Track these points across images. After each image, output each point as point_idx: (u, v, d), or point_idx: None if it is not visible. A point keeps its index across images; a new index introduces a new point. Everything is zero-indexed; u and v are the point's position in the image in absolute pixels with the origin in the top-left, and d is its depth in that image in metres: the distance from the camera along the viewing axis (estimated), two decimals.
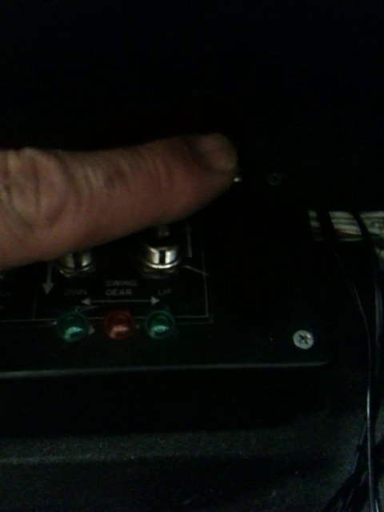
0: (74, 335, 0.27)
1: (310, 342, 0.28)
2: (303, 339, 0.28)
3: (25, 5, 0.25)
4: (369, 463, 0.32)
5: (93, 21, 0.27)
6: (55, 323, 0.27)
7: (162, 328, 0.27)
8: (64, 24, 0.27)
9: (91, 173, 0.20)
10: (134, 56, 0.28)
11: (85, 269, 0.29)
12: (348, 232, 0.36)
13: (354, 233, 0.36)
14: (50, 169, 0.19)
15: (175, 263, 0.29)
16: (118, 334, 0.27)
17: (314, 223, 0.35)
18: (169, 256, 0.29)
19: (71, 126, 0.32)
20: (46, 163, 0.19)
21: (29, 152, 0.19)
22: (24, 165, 0.19)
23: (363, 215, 0.36)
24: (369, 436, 0.32)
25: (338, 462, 0.35)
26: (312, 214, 0.36)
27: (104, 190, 0.20)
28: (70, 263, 0.28)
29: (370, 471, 0.32)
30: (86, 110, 0.31)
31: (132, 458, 0.34)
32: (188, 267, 0.30)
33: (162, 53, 0.28)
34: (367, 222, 0.36)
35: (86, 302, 0.28)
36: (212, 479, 0.35)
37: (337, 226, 0.36)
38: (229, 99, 0.32)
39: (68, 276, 0.29)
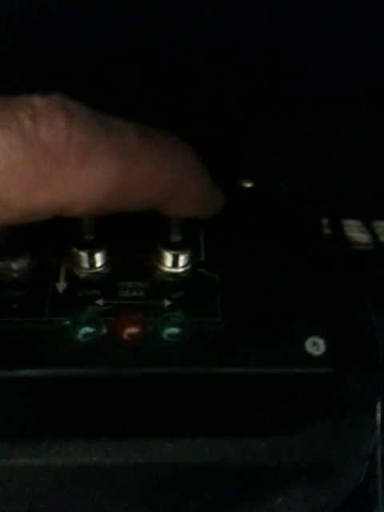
0: (86, 335, 0.27)
1: (322, 349, 0.28)
2: (315, 345, 0.28)
3: (25, 4, 0.26)
4: (379, 472, 0.32)
5: (93, 21, 0.27)
6: (68, 323, 0.27)
7: (175, 330, 0.27)
8: (64, 24, 0.27)
9: (122, 125, 0.19)
10: (134, 56, 0.29)
11: (98, 269, 0.29)
12: (359, 240, 0.36)
13: (366, 241, 0.36)
14: (81, 109, 0.18)
15: (188, 266, 0.29)
16: (131, 335, 0.27)
17: (326, 230, 0.35)
18: (182, 259, 0.29)
19: None
20: (77, 105, 0.18)
21: (57, 94, 0.18)
22: (53, 102, 0.18)
23: (375, 224, 0.37)
24: (379, 444, 0.32)
25: (345, 470, 0.35)
26: (324, 221, 0.36)
27: (137, 140, 0.19)
28: (84, 263, 0.29)
29: (379, 480, 0.31)
30: None
31: (139, 461, 0.34)
32: (201, 270, 0.30)
33: (162, 53, 0.28)
34: (378, 231, 0.36)
35: (100, 302, 0.28)
36: (218, 485, 0.35)
37: (348, 234, 0.36)
38: (229, 100, 0.32)
39: (82, 276, 0.29)
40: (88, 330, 0.27)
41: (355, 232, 0.36)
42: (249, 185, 0.33)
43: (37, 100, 0.17)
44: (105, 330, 0.27)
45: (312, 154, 0.34)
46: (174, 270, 0.29)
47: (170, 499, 0.35)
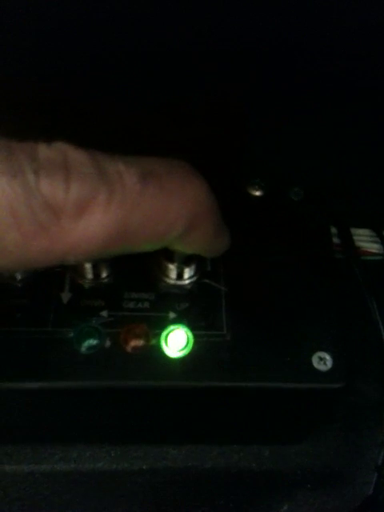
0: (90, 348, 0.27)
1: (329, 364, 0.27)
2: (322, 361, 0.27)
3: (25, 4, 0.25)
4: None
5: (93, 21, 0.27)
6: (72, 334, 0.27)
7: (179, 345, 0.27)
8: (65, 24, 0.27)
9: (124, 169, 0.19)
10: (134, 56, 0.28)
11: (103, 280, 0.29)
12: (370, 250, 0.35)
13: (376, 251, 0.35)
14: (81, 161, 0.19)
15: (194, 278, 0.29)
16: (135, 348, 0.27)
17: (335, 240, 0.35)
18: (187, 272, 0.28)
19: (71, 126, 0.32)
20: (78, 156, 0.19)
21: (60, 144, 0.19)
22: (55, 154, 0.18)
23: None
24: None
25: (351, 478, 0.34)
26: (333, 230, 0.35)
27: (137, 186, 0.19)
28: (89, 273, 0.28)
29: None
30: (86, 110, 0.30)
31: (143, 467, 0.34)
32: (207, 281, 0.29)
33: (162, 53, 0.28)
34: None
35: (104, 313, 0.28)
36: (223, 491, 0.35)
37: (358, 244, 0.35)
38: (229, 100, 0.31)
39: (86, 286, 0.29)
40: (91, 342, 0.27)
41: (365, 242, 0.35)
42: (257, 193, 0.32)
43: (41, 152, 0.18)
44: (108, 343, 0.27)
45: (318, 158, 0.34)
46: (179, 282, 0.28)
47: (175, 505, 0.35)
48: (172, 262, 0.28)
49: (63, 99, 0.30)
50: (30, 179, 0.17)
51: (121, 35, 0.27)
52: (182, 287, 0.29)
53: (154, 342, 0.27)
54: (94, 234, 0.19)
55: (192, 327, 0.27)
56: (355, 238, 0.35)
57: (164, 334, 0.27)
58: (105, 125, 0.31)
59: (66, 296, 0.28)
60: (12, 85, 0.29)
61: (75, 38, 0.27)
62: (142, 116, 0.31)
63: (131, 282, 0.29)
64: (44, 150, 0.18)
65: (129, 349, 0.27)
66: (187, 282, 0.29)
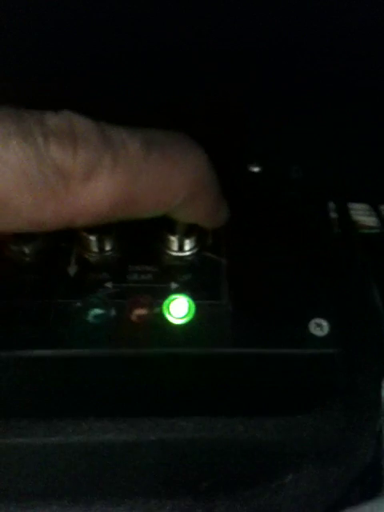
0: (96, 317, 0.28)
1: (326, 330, 0.28)
2: (319, 326, 0.28)
3: (25, 4, 0.26)
4: None
5: (93, 21, 0.27)
6: (79, 305, 0.28)
7: (181, 312, 0.28)
8: (65, 24, 0.27)
9: (127, 137, 0.20)
10: (135, 56, 0.29)
11: (108, 253, 0.30)
12: (367, 223, 0.36)
13: (373, 224, 0.36)
14: (87, 128, 0.19)
15: (195, 250, 0.30)
16: (139, 317, 0.28)
17: (333, 214, 0.36)
18: (188, 244, 0.30)
19: None
20: (84, 123, 0.20)
21: (66, 112, 0.20)
22: (62, 122, 0.19)
23: (382, 207, 0.37)
24: None
25: (354, 447, 0.35)
26: (331, 205, 0.36)
27: (140, 152, 0.20)
28: (94, 247, 0.29)
29: None
30: (86, 110, 0.31)
31: (152, 438, 0.35)
32: (207, 254, 0.30)
33: (162, 53, 0.29)
34: None
35: (109, 285, 0.29)
36: (229, 462, 0.36)
37: (356, 218, 0.36)
38: (229, 100, 0.32)
39: (92, 260, 0.30)
40: (98, 312, 0.28)
41: (362, 216, 0.36)
42: (256, 169, 0.33)
43: (48, 118, 0.19)
44: (114, 312, 0.28)
45: (315, 139, 0.34)
46: (180, 254, 0.30)
47: (182, 476, 0.36)
48: (174, 234, 0.29)
49: (63, 99, 0.31)
50: (40, 143, 0.18)
51: (121, 35, 0.28)
52: (183, 259, 0.30)
53: (157, 310, 0.28)
54: (100, 198, 0.20)
55: (193, 297, 0.29)
56: (352, 212, 0.36)
57: (166, 302, 0.28)
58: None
59: (72, 269, 0.29)
60: (12, 85, 0.30)
61: (75, 37, 0.28)
62: (142, 116, 0.31)
63: (134, 255, 0.30)
64: (52, 117, 0.19)
65: (133, 317, 0.28)
66: (188, 254, 0.30)
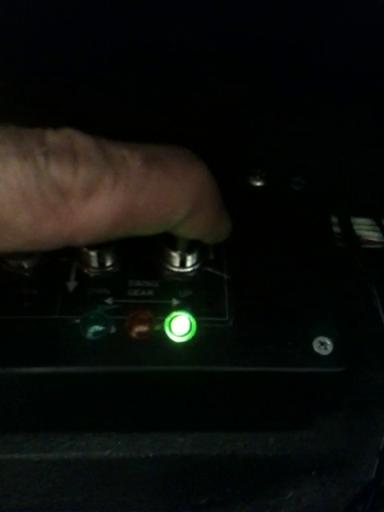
0: (96, 333, 0.27)
1: (330, 348, 0.28)
2: (322, 345, 0.28)
3: (25, 4, 0.26)
4: None
5: (93, 20, 0.27)
6: (78, 321, 0.28)
7: (183, 330, 0.28)
8: (65, 24, 0.27)
9: (128, 154, 0.20)
10: (134, 56, 0.29)
11: (108, 268, 0.29)
12: (370, 238, 0.36)
13: (376, 239, 0.36)
14: (88, 146, 0.19)
15: (196, 266, 0.29)
16: (140, 333, 0.27)
17: (336, 229, 0.35)
18: (190, 259, 0.29)
19: (71, 126, 0.32)
20: (84, 141, 0.19)
21: (67, 130, 0.20)
22: (62, 139, 0.19)
23: None
24: None
25: (356, 464, 0.35)
26: (334, 219, 0.36)
27: (141, 169, 0.20)
28: (94, 262, 0.29)
29: None
30: (86, 110, 0.31)
31: (150, 455, 0.35)
32: (209, 269, 0.30)
33: (162, 53, 0.28)
34: None
35: (109, 301, 0.28)
36: (229, 478, 0.35)
37: (359, 232, 0.36)
38: (229, 100, 0.32)
39: (91, 275, 0.29)
40: (97, 328, 0.27)
41: (365, 230, 0.36)
42: (258, 183, 0.33)
43: (49, 137, 0.19)
44: (114, 329, 0.28)
45: (318, 152, 0.34)
46: (181, 270, 0.29)
47: (181, 492, 0.35)
48: (175, 249, 0.28)
49: (63, 99, 0.30)
50: (40, 162, 0.18)
51: (121, 35, 0.28)
52: (184, 275, 0.29)
53: (157, 327, 0.28)
54: (100, 216, 0.19)
55: (195, 313, 0.28)
56: (355, 227, 0.36)
57: (167, 319, 0.28)
58: (105, 125, 0.31)
59: (72, 285, 0.29)
60: (12, 85, 0.30)
61: (75, 37, 0.28)
62: (142, 116, 0.31)
63: (135, 271, 0.29)
64: (52, 136, 0.19)
65: (133, 334, 0.27)
66: (190, 269, 0.29)
